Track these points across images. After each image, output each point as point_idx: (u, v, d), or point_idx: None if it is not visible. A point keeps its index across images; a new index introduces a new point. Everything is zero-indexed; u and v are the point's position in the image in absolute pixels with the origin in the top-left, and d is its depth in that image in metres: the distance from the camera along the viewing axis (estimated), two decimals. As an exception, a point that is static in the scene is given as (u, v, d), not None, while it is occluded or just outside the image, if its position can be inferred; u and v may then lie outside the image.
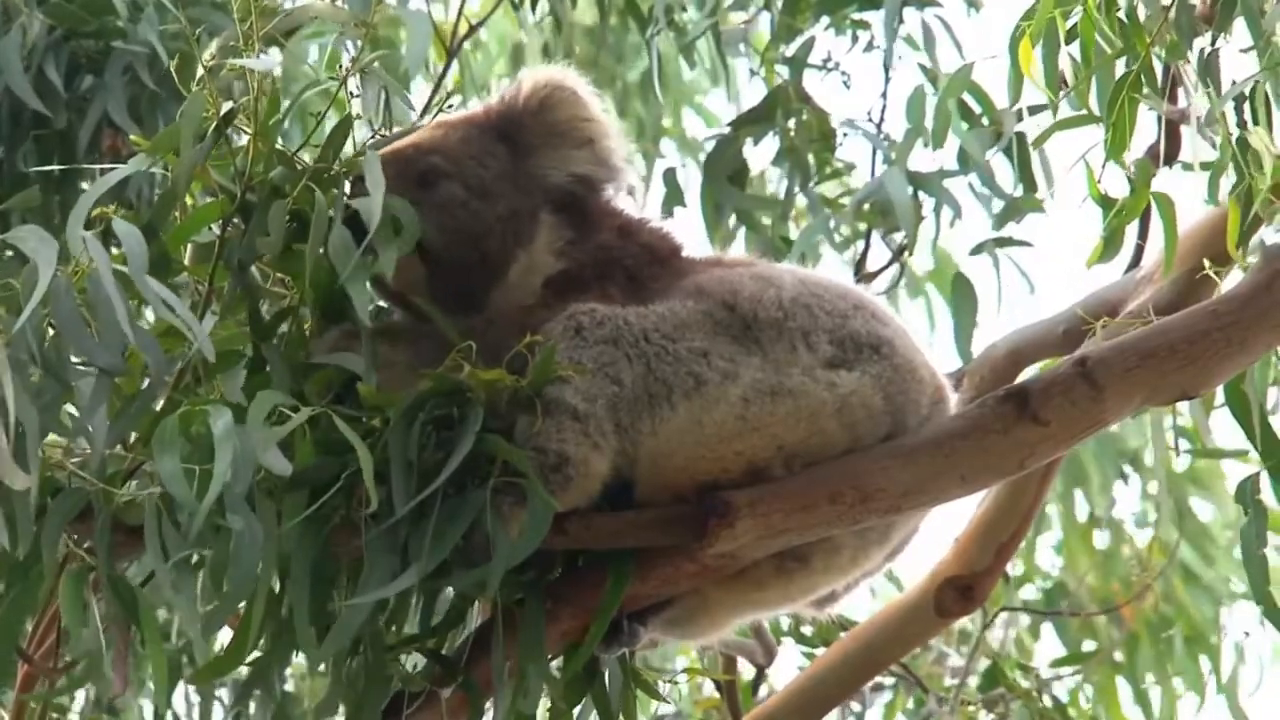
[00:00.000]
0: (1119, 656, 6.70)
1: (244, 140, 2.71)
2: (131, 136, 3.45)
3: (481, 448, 2.58)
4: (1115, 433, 7.31)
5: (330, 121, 2.76)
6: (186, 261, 2.73)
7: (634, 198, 2.99)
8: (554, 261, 2.86)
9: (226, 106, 2.67)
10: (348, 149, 2.74)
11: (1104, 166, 3.00)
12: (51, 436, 2.53)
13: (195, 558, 2.52)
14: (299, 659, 2.68)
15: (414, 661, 2.72)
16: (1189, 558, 6.96)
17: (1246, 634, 4.61)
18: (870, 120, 4.68)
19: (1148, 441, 7.09)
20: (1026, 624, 6.68)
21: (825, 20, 4.74)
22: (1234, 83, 2.91)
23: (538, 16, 5.85)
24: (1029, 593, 7.23)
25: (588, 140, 2.91)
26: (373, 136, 2.79)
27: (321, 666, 2.64)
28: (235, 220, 2.70)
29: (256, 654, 2.61)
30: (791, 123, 4.69)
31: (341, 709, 2.63)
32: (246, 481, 2.45)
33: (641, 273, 2.85)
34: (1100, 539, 7.34)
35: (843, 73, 4.76)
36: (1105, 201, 3.06)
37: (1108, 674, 6.58)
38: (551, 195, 2.89)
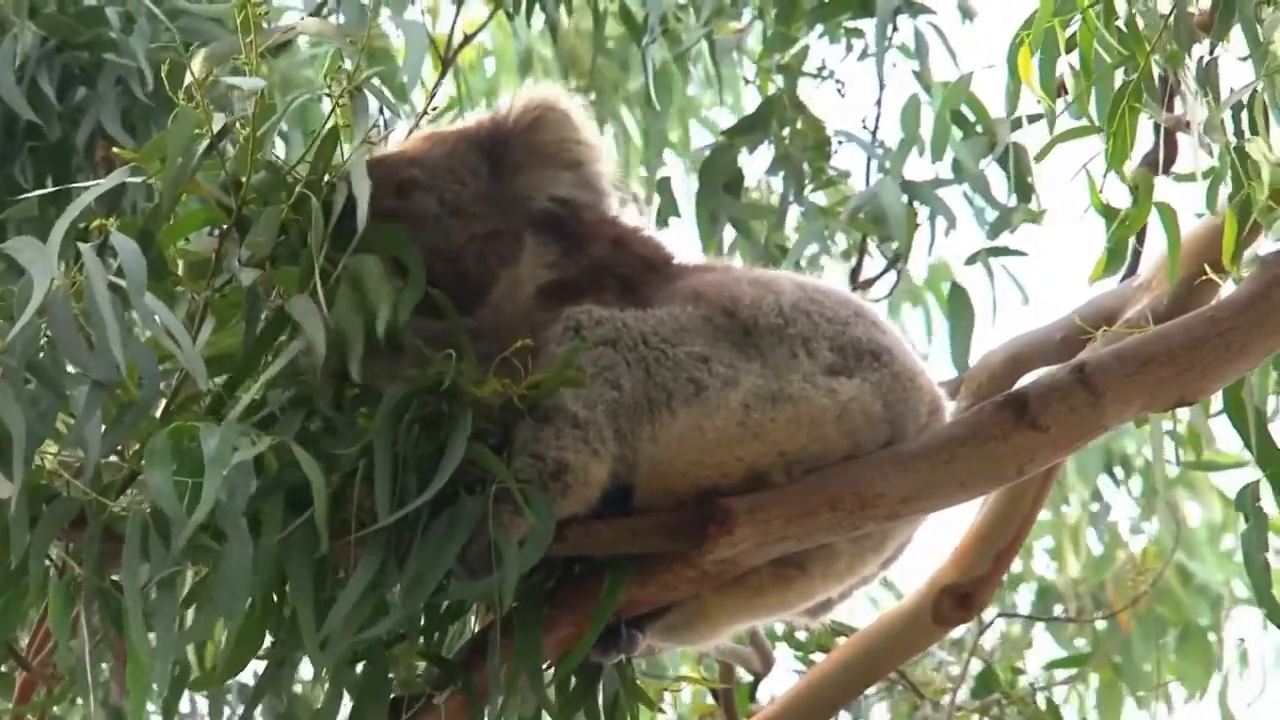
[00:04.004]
0: (1117, 659, 6.71)
1: (234, 152, 2.69)
2: (115, 149, 3.43)
3: (470, 455, 2.56)
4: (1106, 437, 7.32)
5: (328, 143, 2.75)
6: (180, 274, 2.72)
7: (637, 209, 2.98)
8: (545, 274, 2.85)
9: (220, 121, 2.66)
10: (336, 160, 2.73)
11: (1105, 177, 2.99)
12: (49, 444, 2.53)
13: (179, 576, 2.51)
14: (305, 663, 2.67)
15: (414, 665, 2.71)
16: (1181, 558, 6.98)
17: (1242, 640, 4.62)
18: (865, 128, 4.68)
19: (1140, 446, 7.12)
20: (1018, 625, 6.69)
21: (819, 29, 4.74)
22: (1232, 90, 2.91)
23: (534, 28, 5.84)
24: (1021, 595, 7.25)
25: (575, 163, 2.89)
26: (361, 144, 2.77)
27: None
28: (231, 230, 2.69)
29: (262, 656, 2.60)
30: (786, 131, 4.69)
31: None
32: (245, 497, 2.45)
33: (636, 280, 2.84)
34: (1095, 545, 7.37)
35: (838, 81, 4.77)
36: (1107, 212, 3.06)
37: (1108, 676, 6.59)
38: (534, 217, 2.86)
